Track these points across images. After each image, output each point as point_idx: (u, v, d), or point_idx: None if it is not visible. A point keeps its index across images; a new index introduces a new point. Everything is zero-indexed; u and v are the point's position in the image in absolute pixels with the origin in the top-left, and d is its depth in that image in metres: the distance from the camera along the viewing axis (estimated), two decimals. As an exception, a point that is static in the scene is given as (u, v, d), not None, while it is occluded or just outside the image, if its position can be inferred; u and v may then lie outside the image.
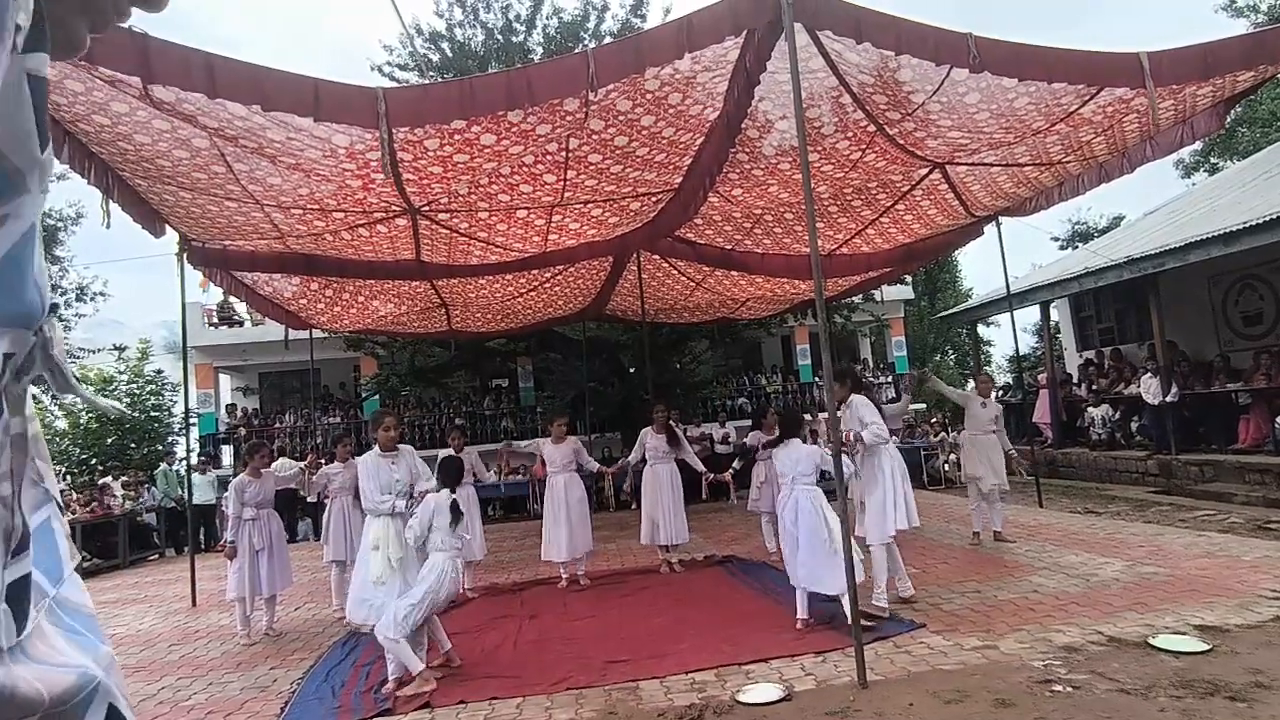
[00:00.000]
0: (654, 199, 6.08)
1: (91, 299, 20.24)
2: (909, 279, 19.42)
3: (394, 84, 12.03)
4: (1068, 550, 6.38)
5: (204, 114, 3.90)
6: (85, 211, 19.67)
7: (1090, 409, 12.60)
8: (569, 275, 9.02)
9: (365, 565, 4.44)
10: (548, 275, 8.78)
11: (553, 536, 6.68)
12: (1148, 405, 10.87)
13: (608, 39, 12.74)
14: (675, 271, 9.27)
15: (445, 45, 13.16)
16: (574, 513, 6.66)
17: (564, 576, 6.72)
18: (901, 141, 5.37)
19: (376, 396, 17.02)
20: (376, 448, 4.71)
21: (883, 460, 5.14)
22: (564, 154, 4.87)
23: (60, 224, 19.21)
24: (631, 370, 14.79)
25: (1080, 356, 15.04)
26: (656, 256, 8.56)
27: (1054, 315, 15.98)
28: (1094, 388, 12.90)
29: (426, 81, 11.72)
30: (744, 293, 10.33)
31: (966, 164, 6.04)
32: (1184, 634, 3.96)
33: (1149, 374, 10.85)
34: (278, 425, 16.91)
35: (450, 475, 4.45)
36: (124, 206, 5.00)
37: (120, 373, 21.71)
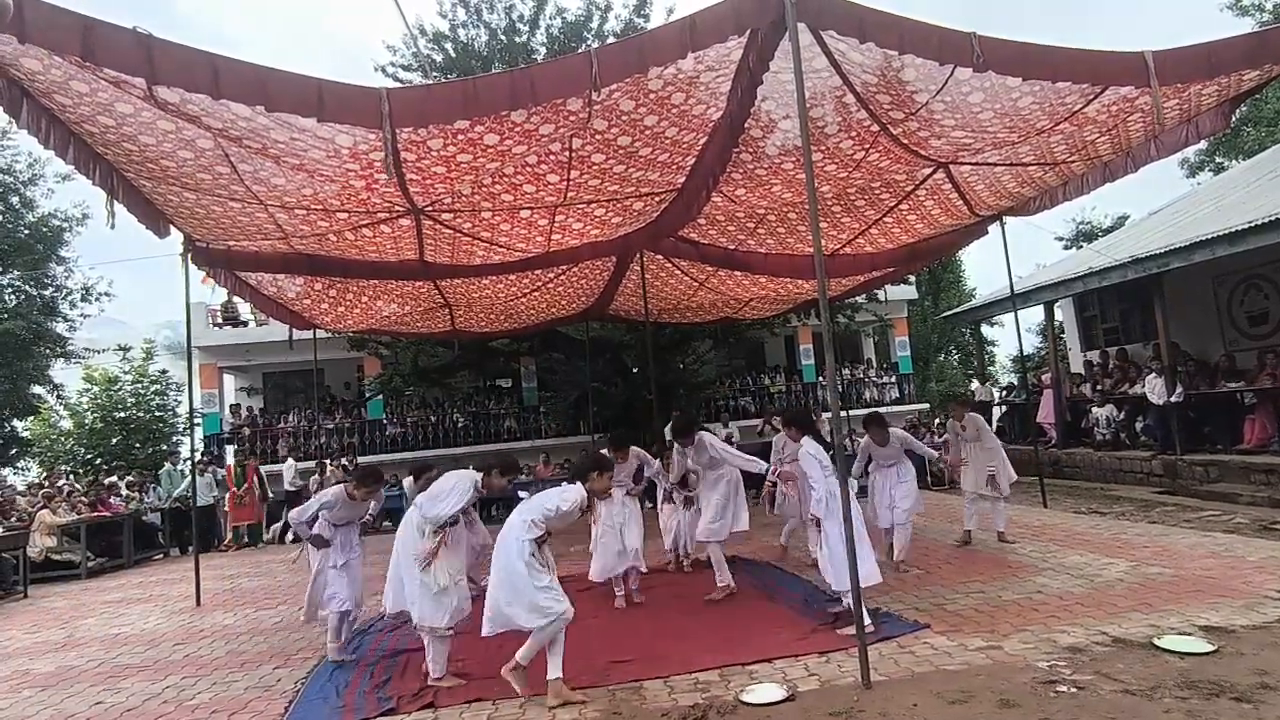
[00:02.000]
0: (657, 199, 6.08)
1: (96, 299, 20.35)
2: (912, 279, 19.42)
3: (398, 84, 12.06)
4: (1072, 550, 6.37)
5: (208, 115, 3.91)
6: (91, 212, 19.77)
7: (1094, 409, 12.56)
8: (572, 275, 9.02)
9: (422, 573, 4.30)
10: (551, 275, 8.78)
11: (604, 554, 5.90)
12: (1152, 405, 10.84)
13: (611, 39, 12.74)
14: (678, 271, 9.27)
15: (449, 45, 13.17)
16: (631, 530, 5.93)
17: (619, 595, 5.99)
18: (905, 141, 5.36)
19: (380, 396, 17.06)
20: (479, 478, 4.43)
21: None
22: (567, 154, 4.87)
23: (66, 224, 19.29)
24: (634, 370, 14.80)
25: (1084, 356, 15.00)
26: (659, 256, 8.56)
27: (1058, 315, 15.94)
28: (1098, 388, 12.86)
29: (430, 82, 11.74)
30: (747, 293, 10.32)
31: (970, 163, 6.02)
32: (1189, 635, 3.95)
33: (1154, 374, 10.82)
34: (281, 425, 16.95)
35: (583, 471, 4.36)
36: (129, 207, 5.00)
37: (125, 373, 21.83)
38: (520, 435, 17.20)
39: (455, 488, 4.36)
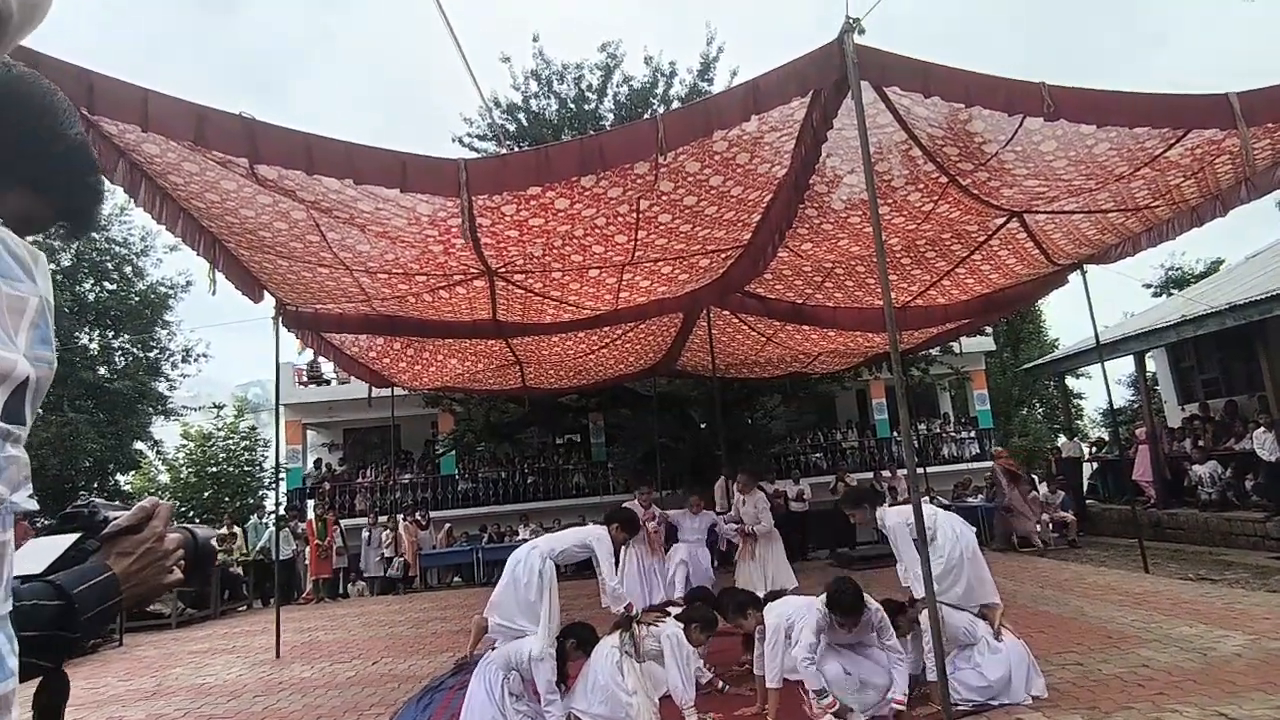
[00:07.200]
0: (723, 255, 6.14)
1: (195, 360, 21.69)
2: (989, 330, 18.80)
3: (474, 154, 12.69)
4: (1180, 621, 5.87)
5: (302, 189, 4.21)
6: (193, 279, 21.28)
7: (1196, 466, 11.70)
8: (640, 332, 9.13)
9: None
10: (619, 332, 8.91)
11: None
12: (1263, 462, 10.03)
13: (676, 103, 13.12)
14: (745, 326, 9.26)
15: (521, 116, 13.81)
16: None
17: None
18: (975, 191, 5.28)
19: (453, 452, 17.43)
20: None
21: None
22: (635, 215, 5.00)
23: (171, 291, 20.83)
24: (703, 426, 14.70)
25: (1182, 409, 14.09)
26: (726, 312, 8.58)
27: (1151, 366, 15.09)
28: (1199, 443, 12.01)
29: (504, 150, 12.31)
30: (816, 346, 10.20)
31: (1046, 212, 5.87)
32: (1323, 719, 3.56)
33: (1261, 428, 10.05)
34: (359, 480, 17.47)
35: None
36: (228, 275, 5.40)
37: (218, 429, 23.05)
38: (589, 491, 17.20)
39: None
